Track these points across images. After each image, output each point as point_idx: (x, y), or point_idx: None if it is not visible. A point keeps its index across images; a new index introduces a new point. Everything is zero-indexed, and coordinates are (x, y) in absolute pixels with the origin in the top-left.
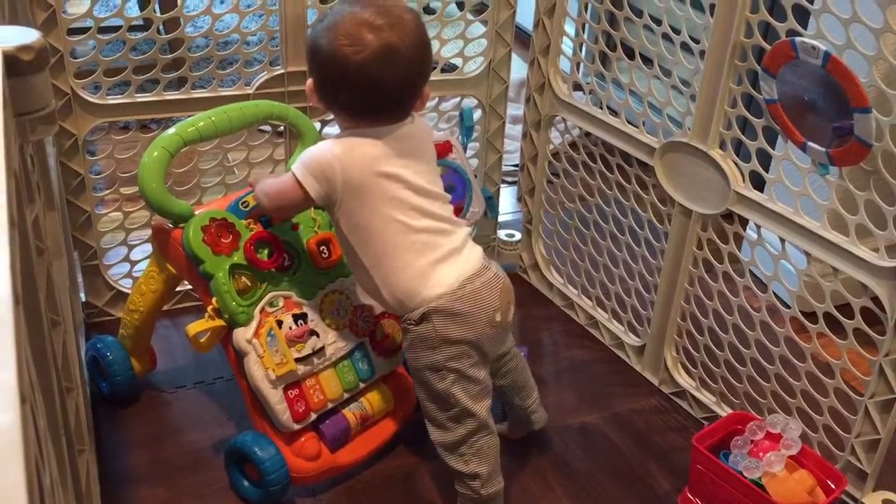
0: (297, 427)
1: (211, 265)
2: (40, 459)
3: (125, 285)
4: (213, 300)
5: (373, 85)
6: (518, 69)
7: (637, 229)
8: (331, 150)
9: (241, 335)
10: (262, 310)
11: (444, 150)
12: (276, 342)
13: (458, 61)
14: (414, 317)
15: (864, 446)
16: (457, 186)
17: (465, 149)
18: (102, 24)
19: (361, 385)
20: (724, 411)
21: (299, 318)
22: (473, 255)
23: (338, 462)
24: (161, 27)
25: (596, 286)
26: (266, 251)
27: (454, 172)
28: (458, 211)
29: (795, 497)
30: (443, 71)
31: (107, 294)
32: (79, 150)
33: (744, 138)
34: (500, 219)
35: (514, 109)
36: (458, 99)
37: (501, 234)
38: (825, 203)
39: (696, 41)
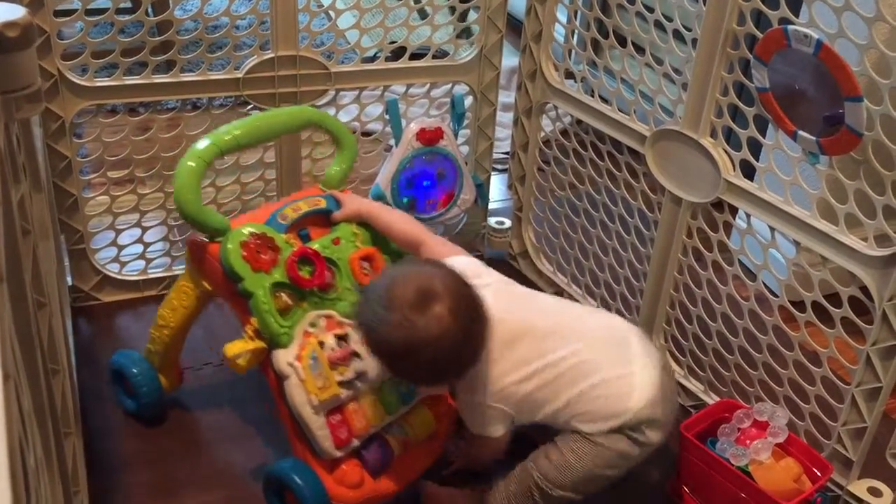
0: (339, 454)
1: (250, 283)
2: (24, 439)
3: (112, 269)
4: (253, 320)
5: (467, 351)
6: (508, 57)
7: (627, 217)
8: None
9: (283, 357)
10: (304, 331)
11: (434, 137)
12: (318, 365)
13: (449, 47)
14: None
15: (851, 434)
16: (447, 174)
17: (456, 136)
18: (90, 6)
19: (403, 409)
20: (711, 399)
21: (342, 338)
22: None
23: (380, 490)
24: (149, 9)
25: (585, 274)
26: (308, 269)
27: (445, 159)
28: (449, 198)
29: (782, 484)
30: (434, 57)
31: (93, 278)
32: (66, 132)
33: (735, 127)
34: (491, 206)
35: (505, 97)
36: (449, 85)
37: (491, 221)
38: (815, 192)
39: (689, 29)
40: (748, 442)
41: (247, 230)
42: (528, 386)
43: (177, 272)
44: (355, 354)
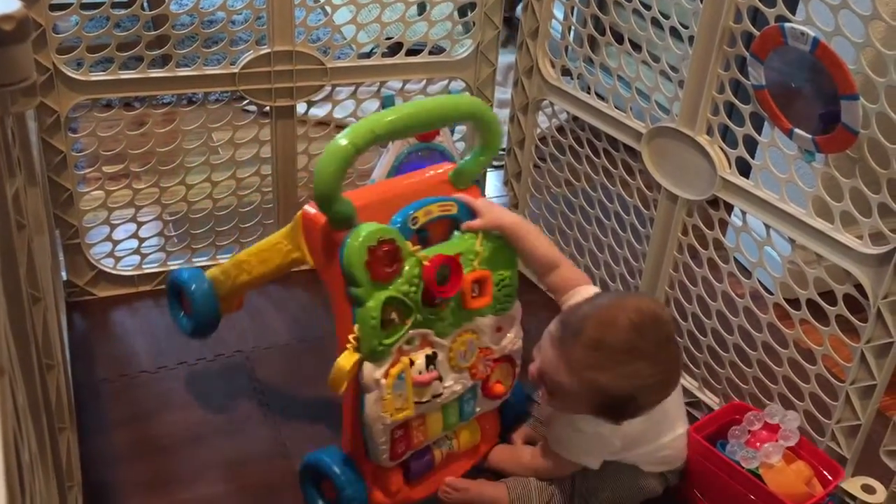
0: (391, 465)
1: (365, 291)
2: (19, 434)
3: (107, 265)
4: (356, 328)
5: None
6: (505, 53)
7: (623, 214)
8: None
9: (371, 372)
10: (399, 347)
11: (431, 133)
12: (402, 386)
13: (446, 43)
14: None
15: (844, 432)
16: None
17: (452, 132)
18: (85, 0)
19: (460, 424)
20: (706, 397)
21: (431, 359)
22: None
23: (412, 496)
24: (145, 4)
25: (581, 271)
26: (442, 277)
27: (441, 156)
28: None
29: (792, 488)
30: (430, 53)
31: (88, 273)
32: (61, 126)
33: (731, 124)
34: None
35: (501, 93)
36: (445, 82)
37: None
38: (810, 190)
39: (685, 26)
40: (759, 445)
41: (378, 233)
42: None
43: (172, 267)
44: (438, 378)
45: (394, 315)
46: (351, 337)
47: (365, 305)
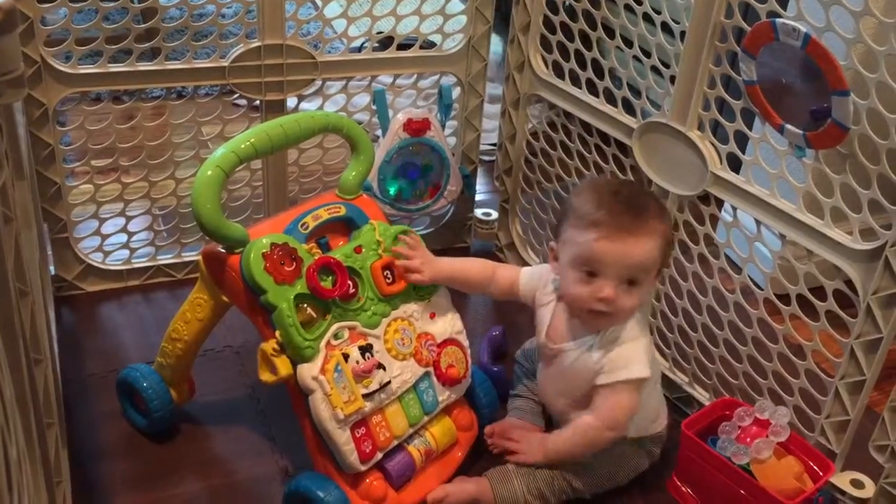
0: (364, 468)
1: (274, 295)
2: (6, 429)
3: (96, 259)
4: (277, 333)
5: None
6: (497, 48)
7: None
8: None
9: (307, 372)
10: (328, 343)
11: (422, 127)
12: (343, 378)
13: (437, 38)
14: (661, 435)
15: (834, 427)
16: (434, 165)
17: (443, 127)
18: None
19: (426, 418)
20: (696, 392)
21: (365, 350)
22: None
23: (403, 502)
24: None
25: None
26: (330, 279)
27: (432, 150)
28: (436, 189)
29: (783, 483)
30: (421, 48)
31: (77, 267)
32: (49, 120)
33: (722, 120)
34: (477, 197)
35: (493, 88)
36: (436, 76)
37: (478, 212)
38: (801, 186)
39: (677, 21)
40: (749, 440)
41: (268, 241)
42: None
43: (161, 262)
44: (380, 366)
45: (310, 312)
46: (273, 342)
47: (278, 308)
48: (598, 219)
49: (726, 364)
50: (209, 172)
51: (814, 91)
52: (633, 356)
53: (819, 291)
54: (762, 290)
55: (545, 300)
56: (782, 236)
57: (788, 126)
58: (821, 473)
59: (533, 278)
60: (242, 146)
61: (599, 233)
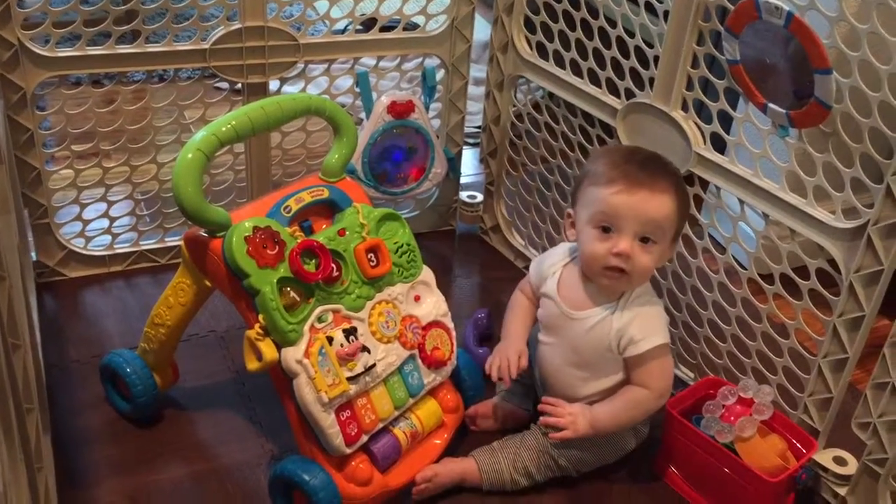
0: (349, 451)
1: (257, 279)
2: None
3: (77, 245)
4: (260, 317)
5: None
6: (481, 30)
7: None
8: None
9: (291, 355)
10: (311, 326)
11: (406, 110)
12: (327, 361)
13: (420, 19)
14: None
15: (817, 405)
16: (419, 147)
17: (427, 109)
18: None
19: (411, 401)
20: (681, 373)
21: (350, 333)
22: None
23: (390, 485)
24: None
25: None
26: (313, 262)
27: (416, 133)
28: (421, 172)
29: (767, 461)
30: (405, 29)
31: (58, 253)
32: (27, 104)
33: (705, 99)
34: (462, 180)
35: (477, 71)
36: (420, 59)
37: (463, 195)
38: (784, 165)
39: (661, 1)
40: (733, 419)
41: (250, 224)
42: None
43: (144, 247)
44: (364, 349)
45: (294, 295)
46: (257, 326)
47: (261, 292)
48: (615, 175)
49: (710, 344)
50: (190, 155)
51: (797, 70)
52: (658, 322)
53: (802, 271)
54: (746, 269)
55: (549, 272)
56: (765, 216)
57: (772, 105)
58: (804, 451)
59: (536, 270)
60: (223, 129)
61: (616, 187)
